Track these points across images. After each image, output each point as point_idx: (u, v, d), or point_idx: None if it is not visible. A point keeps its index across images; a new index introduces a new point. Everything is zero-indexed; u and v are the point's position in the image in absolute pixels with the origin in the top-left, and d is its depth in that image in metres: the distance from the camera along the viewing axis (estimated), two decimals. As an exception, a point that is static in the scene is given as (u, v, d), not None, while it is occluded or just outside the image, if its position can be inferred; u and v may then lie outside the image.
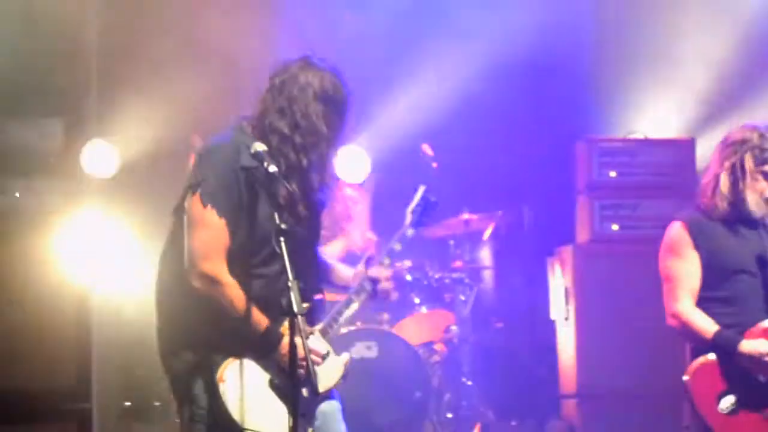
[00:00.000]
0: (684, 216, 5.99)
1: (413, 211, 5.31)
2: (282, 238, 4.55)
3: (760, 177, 5.89)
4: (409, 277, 8.56)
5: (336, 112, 4.91)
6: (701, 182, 6.05)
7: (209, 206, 4.70)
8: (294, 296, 4.42)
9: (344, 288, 5.20)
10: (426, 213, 5.32)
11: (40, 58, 7.35)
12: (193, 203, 4.73)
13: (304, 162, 4.83)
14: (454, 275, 8.63)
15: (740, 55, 9.25)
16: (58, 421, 7.00)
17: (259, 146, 4.73)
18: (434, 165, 8.52)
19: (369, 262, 5.20)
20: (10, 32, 7.48)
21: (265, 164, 4.67)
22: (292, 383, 4.49)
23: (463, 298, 8.61)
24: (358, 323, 8.14)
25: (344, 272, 5.26)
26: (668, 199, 8.51)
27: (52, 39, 7.63)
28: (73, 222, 7.34)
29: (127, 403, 7.38)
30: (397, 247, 5.24)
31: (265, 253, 4.77)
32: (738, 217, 5.92)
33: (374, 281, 5.15)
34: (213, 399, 4.70)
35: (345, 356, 5.04)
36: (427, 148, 8.58)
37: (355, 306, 5.10)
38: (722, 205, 5.91)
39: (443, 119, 9.30)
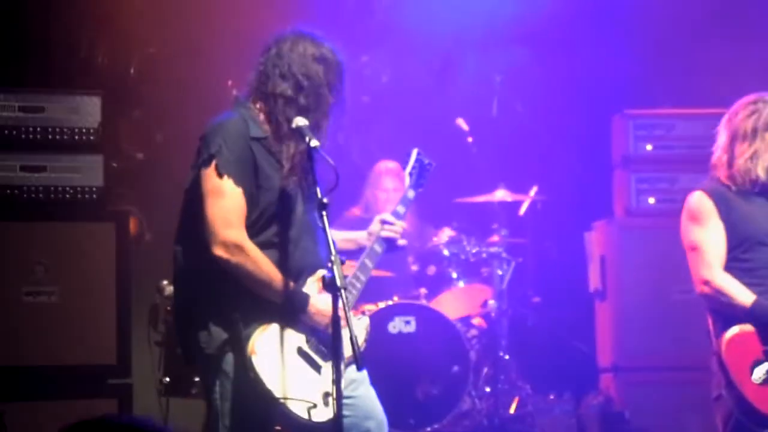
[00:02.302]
0: (705, 186, 6.04)
1: (410, 174, 5.48)
2: (324, 213, 4.56)
3: None
4: (446, 252, 8.59)
5: (335, 76, 4.92)
6: (714, 155, 6.08)
7: (225, 176, 4.72)
8: (336, 271, 4.44)
9: (357, 251, 5.27)
10: (422, 175, 5.49)
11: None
12: (209, 175, 4.75)
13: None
14: (492, 249, 8.65)
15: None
16: (100, 397, 7.09)
17: (300, 121, 4.75)
18: (469, 139, 8.53)
19: (384, 222, 5.26)
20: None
21: (307, 139, 4.69)
22: (335, 349, 4.52)
23: (500, 272, 8.63)
24: (396, 298, 8.18)
25: (353, 235, 5.34)
26: (705, 173, 8.44)
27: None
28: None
29: (167, 379, 7.41)
30: (401, 209, 5.34)
31: (280, 220, 4.81)
32: (753, 186, 5.94)
33: (388, 240, 5.22)
34: (246, 372, 4.71)
35: (365, 320, 5.11)
36: (462, 123, 8.59)
37: (369, 268, 5.14)
38: (739, 175, 5.93)
39: (478, 93, 9.30)
